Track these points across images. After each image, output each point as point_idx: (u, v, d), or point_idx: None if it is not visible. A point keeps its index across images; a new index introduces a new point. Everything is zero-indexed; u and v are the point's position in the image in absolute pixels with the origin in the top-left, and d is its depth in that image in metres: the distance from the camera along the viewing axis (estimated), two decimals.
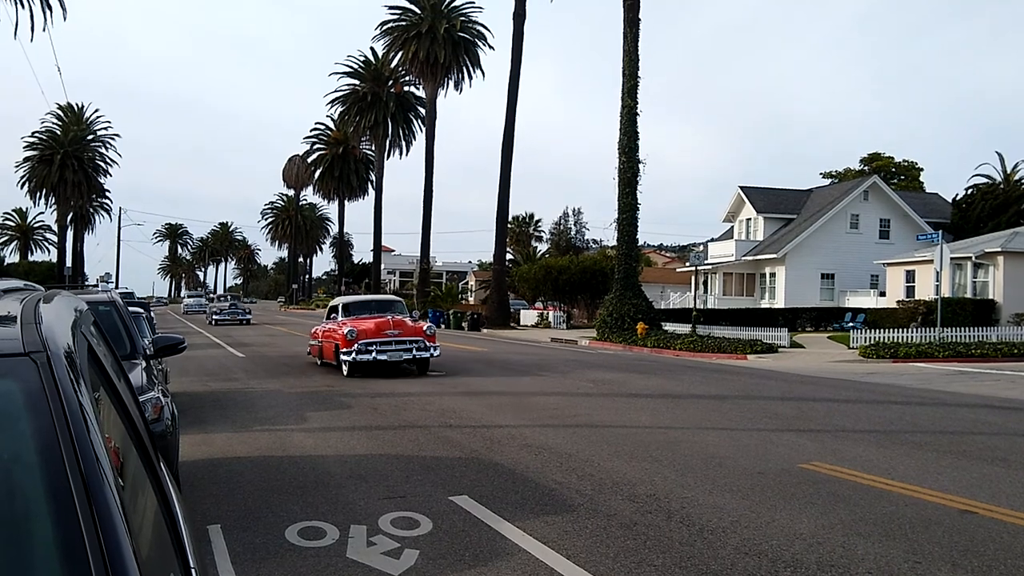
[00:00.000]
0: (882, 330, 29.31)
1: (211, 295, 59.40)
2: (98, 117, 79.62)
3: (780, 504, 7.34)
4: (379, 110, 69.43)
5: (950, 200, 54.16)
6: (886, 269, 42.55)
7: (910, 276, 39.72)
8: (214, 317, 51.38)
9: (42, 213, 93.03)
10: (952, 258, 30.69)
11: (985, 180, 54.37)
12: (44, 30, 48.89)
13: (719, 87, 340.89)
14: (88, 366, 1.98)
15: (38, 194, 75.62)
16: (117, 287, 64.30)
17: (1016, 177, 54.00)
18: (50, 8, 49.80)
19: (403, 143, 72.68)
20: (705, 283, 54.02)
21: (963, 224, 48.54)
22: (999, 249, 34.83)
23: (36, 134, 75.53)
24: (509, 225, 61.16)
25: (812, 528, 6.57)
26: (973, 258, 35.79)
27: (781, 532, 6.46)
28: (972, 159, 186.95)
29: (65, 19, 53.57)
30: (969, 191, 52.66)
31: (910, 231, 46.35)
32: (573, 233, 79.50)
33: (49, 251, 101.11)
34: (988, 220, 47.43)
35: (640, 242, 37.40)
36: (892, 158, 75.97)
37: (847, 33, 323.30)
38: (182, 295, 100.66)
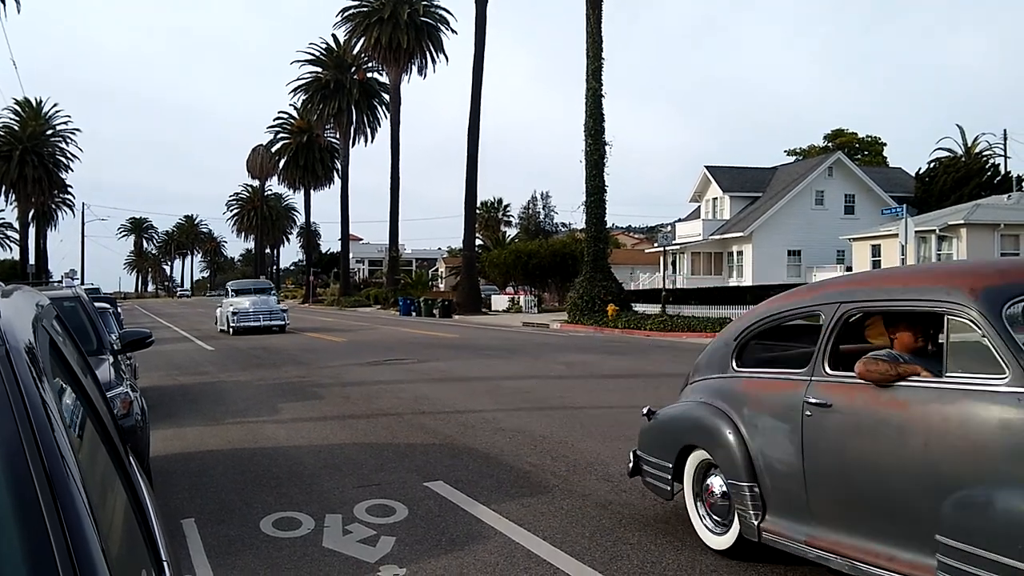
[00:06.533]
0: None
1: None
2: (57, 112, 78.46)
3: None
4: (342, 97, 68.80)
5: (913, 174, 54.73)
6: (852, 244, 43.03)
7: (876, 250, 40.19)
8: None
9: (2, 210, 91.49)
10: (917, 231, 31.11)
11: (947, 153, 55.05)
12: None
13: (684, 69, 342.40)
14: (51, 361, 1.94)
15: None
16: (83, 283, 63.39)
17: (977, 150, 54.74)
18: (3, 2, 48.78)
19: (368, 130, 72.15)
20: (674, 263, 54.30)
21: (927, 197, 49.11)
22: (962, 221, 35.34)
23: None
24: (478, 211, 61.01)
25: None
26: (937, 231, 36.29)
27: None
28: (934, 133, 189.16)
29: (19, 11, 52.32)
30: (932, 165, 53.25)
31: (875, 206, 46.80)
32: (542, 217, 79.38)
33: (11, 249, 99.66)
34: (951, 193, 48.01)
35: (608, 224, 37.42)
36: (855, 134, 76.66)
37: (810, 13, 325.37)
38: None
